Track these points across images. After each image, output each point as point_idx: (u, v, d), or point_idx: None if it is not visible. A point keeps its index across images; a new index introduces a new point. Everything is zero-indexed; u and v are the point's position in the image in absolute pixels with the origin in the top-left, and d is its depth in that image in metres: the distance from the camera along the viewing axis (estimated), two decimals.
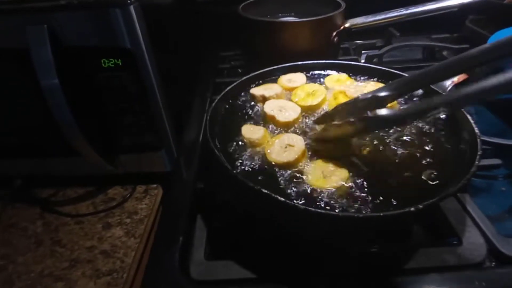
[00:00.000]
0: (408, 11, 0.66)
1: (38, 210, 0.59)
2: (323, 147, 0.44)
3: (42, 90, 0.45)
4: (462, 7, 0.66)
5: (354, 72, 0.61)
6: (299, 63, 0.61)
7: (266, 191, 0.35)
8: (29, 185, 0.61)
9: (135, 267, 0.50)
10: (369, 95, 0.43)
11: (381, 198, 0.38)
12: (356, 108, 0.44)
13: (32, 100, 0.50)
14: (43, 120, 0.52)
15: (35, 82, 0.45)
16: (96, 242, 0.52)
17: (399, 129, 0.46)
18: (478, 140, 0.41)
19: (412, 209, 0.32)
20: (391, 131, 0.46)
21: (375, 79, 0.58)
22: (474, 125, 0.44)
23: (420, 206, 0.32)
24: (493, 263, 0.38)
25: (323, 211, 0.34)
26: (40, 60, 0.44)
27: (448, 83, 0.51)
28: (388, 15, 0.67)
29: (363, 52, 0.83)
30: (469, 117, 0.45)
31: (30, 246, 0.52)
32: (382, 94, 0.42)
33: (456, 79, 0.51)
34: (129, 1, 0.45)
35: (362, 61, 0.79)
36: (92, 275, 0.47)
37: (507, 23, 0.67)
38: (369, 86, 0.56)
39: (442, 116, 0.48)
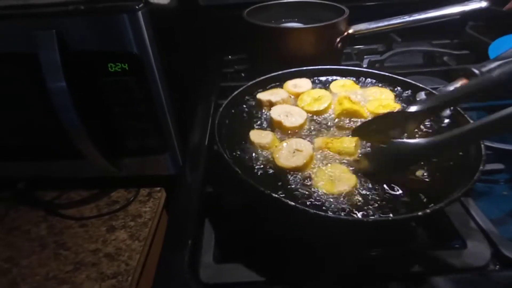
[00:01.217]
0: (411, 18, 0.67)
1: (42, 213, 0.59)
2: None
3: (50, 93, 0.45)
4: (463, 14, 0.67)
5: (358, 77, 0.61)
6: (304, 68, 0.61)
7: (276, 195, 0.35)
8: (32, 188, 0.61)
9: (140, 270, 0.50)
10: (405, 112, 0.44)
11: (387, 201, 0.38)
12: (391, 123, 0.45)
13: (39, 103, 0.50)
14: (49, 123, 0.52)
15: (43, 86, 0.45)
16: (100, 245, 0.52)
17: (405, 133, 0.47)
18: (482, 145, 0.41)
19: (420, 213, 0.33)
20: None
21: (380, 84, 0.59)
22: None
23: (428, 211, 0.33)
24: (497, 266, 0.38)
25: (332, 215, 0.35)
26: (48, 64, 0.45)
27: (451, 89, 0.52)
28: (391, 22, 0.68)
29: (365, 57, 0.83)
30: (471, 122, 0.46)
31: (34, 249, 0.52)
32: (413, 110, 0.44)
33: (458, 85, 0.52)
34: (137, 7, 0.45)
35: (364, 66, 0.80)
36: (97, 278, 0.48)
37: (507, 30, 0.68)
38: (374, 92, 0.56)
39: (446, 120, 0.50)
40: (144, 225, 0.55)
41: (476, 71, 0.49)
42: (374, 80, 0.60)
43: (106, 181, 0.61)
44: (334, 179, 0.40)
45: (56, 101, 0.46)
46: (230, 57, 0.88)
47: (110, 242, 0.53)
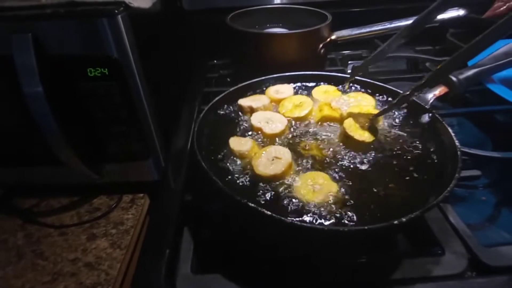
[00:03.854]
0: (392, 25, 0.68)
1: (20, 221, 0.57)
2: None
3: (26, 98, 0.44)
4: (443, 22, 0.69)
5: (341, 83, 0.62)
6: (287, 74, 0.61)
7: (252, 204, 0.35)
8: (10, 195, 0.60)
9: (120, 280, 0.49)
10: None
11: (367, 209, 0.38)
12: None
13: (16, 108, 0.49)
14: (28, 128, 0.51)
15: (19, 90, 0.44)
16: (80, 254, 0.51)
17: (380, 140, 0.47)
18: (458, 152, 0.42)
19: (396, 222, 0.33)
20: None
21: (362, 90, 0.60)
22: (454, 137, 0.45)
23: (404, 220, 0.33)
24: (474, 273, 0.39)
25: (308, 225, 0.35)
26: (24, 68, 0.43)
27: (430, 96, 0.53)
28: (373, 28, 0.69)
29: (349, 62, 0.84)
30: (449, 129, 0.47)
31: (10, 259, 0.51)
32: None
33: (437, 92, 0.52)
34: (116, 11, 0.45)
35: (349, 71, 0.81)
36: None
37: None
38: (355, 98, 0.57)
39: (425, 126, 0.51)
40: (126, 232, 0.54)
41: (454, 78, 0.50)
42: (357, 86, 0.61)
43: (88, 188, 0.60)
44: (315, 187, 0.40)
45: (32, 106, 0.45)
46: (215, 61, 0.88)
47: (90, 250, 0.52)
